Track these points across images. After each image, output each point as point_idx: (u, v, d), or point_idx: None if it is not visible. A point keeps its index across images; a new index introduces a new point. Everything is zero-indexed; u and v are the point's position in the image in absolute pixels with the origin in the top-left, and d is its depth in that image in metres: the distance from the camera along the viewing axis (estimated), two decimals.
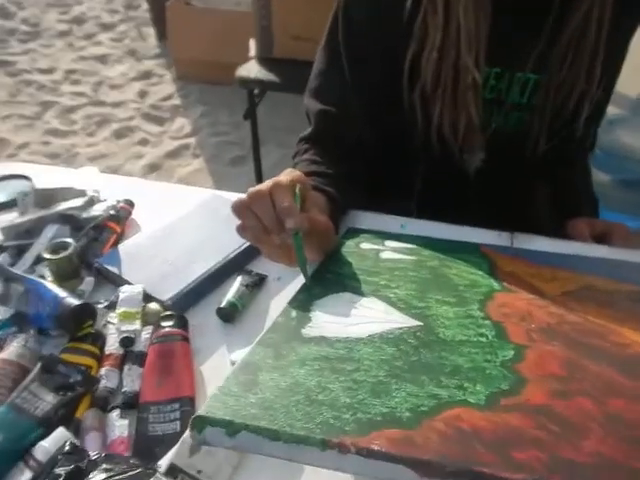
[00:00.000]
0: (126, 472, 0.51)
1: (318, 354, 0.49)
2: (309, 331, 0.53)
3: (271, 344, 0.51)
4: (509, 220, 0.82)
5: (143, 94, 3.14)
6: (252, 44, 2.12)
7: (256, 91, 2.04)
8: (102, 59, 3.47)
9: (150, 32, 3.69)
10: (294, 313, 0.56)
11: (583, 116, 0.80)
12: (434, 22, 0.75)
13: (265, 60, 2.05)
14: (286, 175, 0.64)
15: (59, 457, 0.53)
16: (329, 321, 0.54)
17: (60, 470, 0.52)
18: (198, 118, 2.92)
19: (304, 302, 0.58)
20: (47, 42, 3.64)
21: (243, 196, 0.61)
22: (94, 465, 0.52)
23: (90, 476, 0.51)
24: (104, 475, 0.51)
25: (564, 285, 0.63)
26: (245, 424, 0.41)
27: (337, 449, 0.38)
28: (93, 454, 0.53)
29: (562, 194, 0.94)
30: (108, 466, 0.52)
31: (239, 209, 0.60)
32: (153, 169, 2.60)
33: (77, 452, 0.53)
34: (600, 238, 0.82)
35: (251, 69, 2.02)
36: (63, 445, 0.53)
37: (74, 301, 0.69)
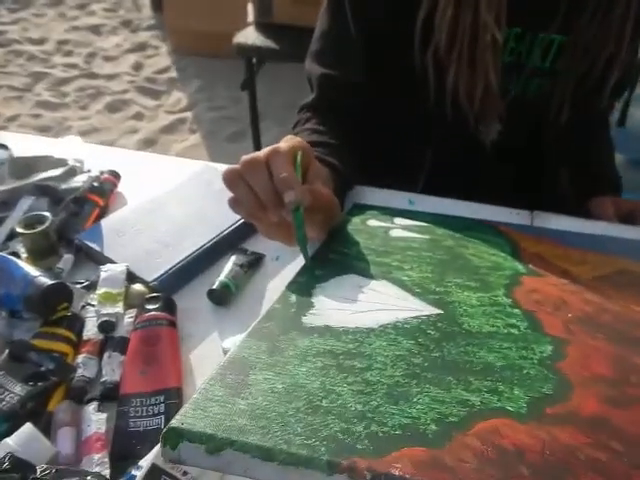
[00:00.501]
0: None
1: (322, 348, 0.42)
2: (311, 319, 0.46)
3: (265, 335, 0.44)
4: (526, 198, 0.77)
5: (138, 66, 3.06)
6: (250, 9, 2.02)
7: (254, 60, 1.96)
8: (95, 30, 3.38)
9: (145, 2, 3.60)
10: (293, 298, 0.49)
11: (611, 82, 0.75)
12: None
13: (264, 26, 1.97)
14: (286, 142, 0.57)
15: None
16: (334, 308, 0.47)
17: None
18: (194, 92, 2.84)
19: (305, 285, 0.51)
20: (38, 11, 3.54)
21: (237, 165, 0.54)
22: None
23: None
24: None
25: (596, 268, 0.58)
26: (230, 440, 0.34)
27: (347, 474, 0.31)
28: (41, 469, 0.44)
29: (584, 170, 0.89)
30: None
31: (231, 179, 0.53)
32: (148, 144, 2.52)
33: (20, 467, 0.45)
34: (626, 218, 0.77)
35: (249, 36, 1.94)
36: (2, 460, 0.45)
37: (46, 280, 0.63)
